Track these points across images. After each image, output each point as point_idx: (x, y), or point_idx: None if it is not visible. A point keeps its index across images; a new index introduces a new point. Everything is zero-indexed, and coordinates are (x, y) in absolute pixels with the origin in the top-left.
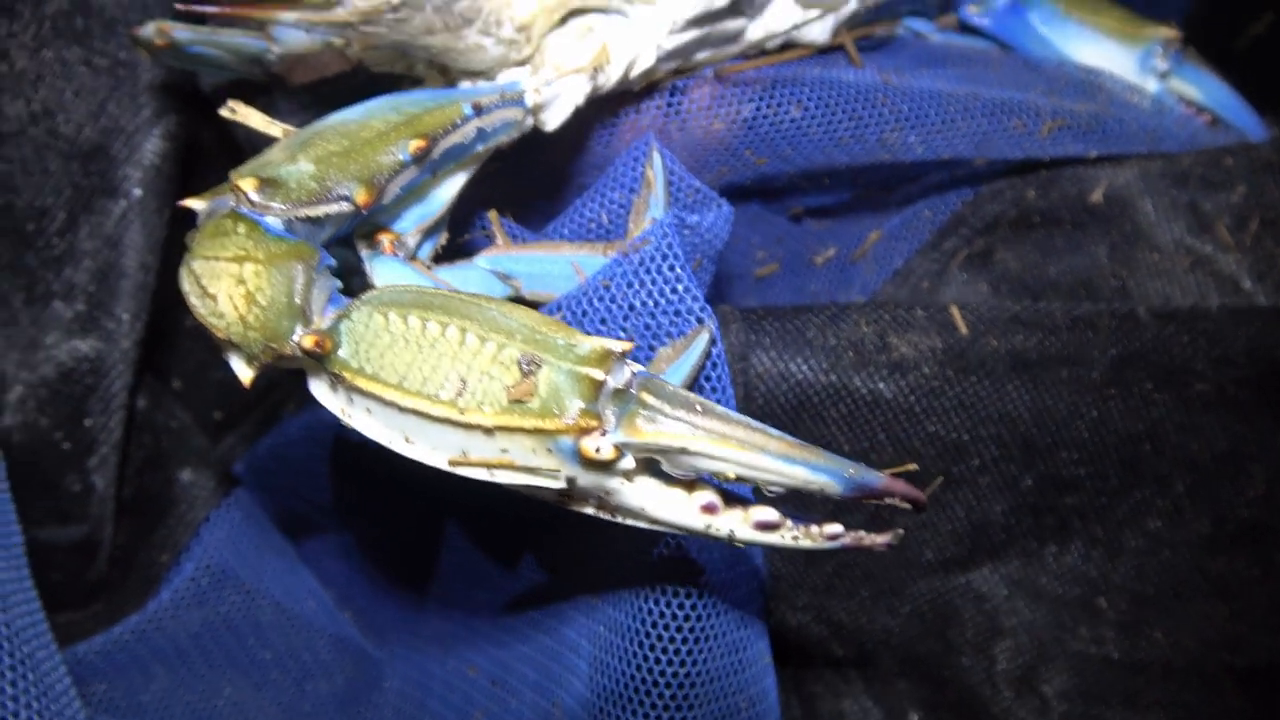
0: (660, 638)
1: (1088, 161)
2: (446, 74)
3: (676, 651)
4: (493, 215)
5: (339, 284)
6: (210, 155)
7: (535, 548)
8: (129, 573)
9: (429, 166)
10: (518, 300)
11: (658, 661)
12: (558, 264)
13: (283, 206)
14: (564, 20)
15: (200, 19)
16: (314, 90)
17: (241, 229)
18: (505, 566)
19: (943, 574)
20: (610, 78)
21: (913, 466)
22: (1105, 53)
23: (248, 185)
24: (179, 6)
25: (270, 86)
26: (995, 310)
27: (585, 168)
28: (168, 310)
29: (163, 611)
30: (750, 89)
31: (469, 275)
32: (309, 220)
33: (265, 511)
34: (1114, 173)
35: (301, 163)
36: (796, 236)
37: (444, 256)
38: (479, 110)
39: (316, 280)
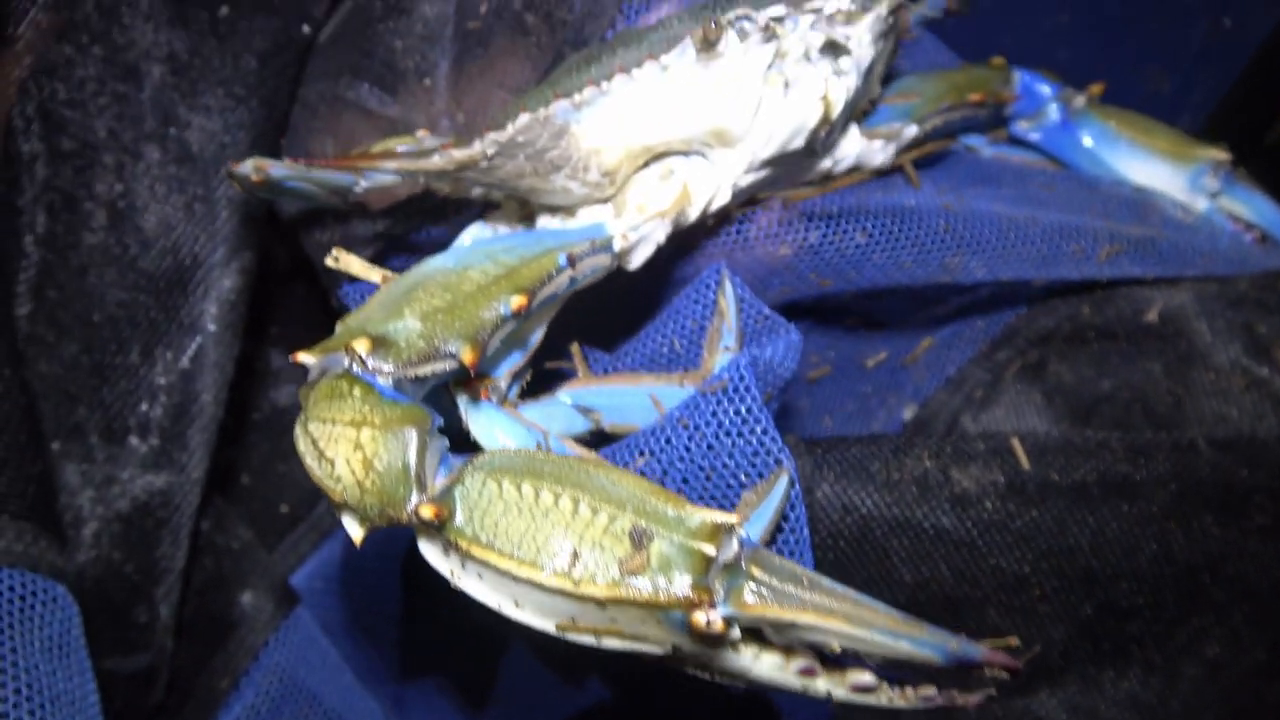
0: None
1: (1143, 282)
2: (525, 205)
3: None
4: (575, 349)
5: (447, 442)
6: (283, 278)
7: (600, 673)
8: (188, 699)
9: (529, 316)
10: (599, 433)
11: None
12: (636, 396)
13: (393, 366)
14: (647, 163)
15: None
16: (389, 212)
17: (357, 392)
18: (568, 690)
19: (1003, 699)
20: (689, 217)
21: (1014, 641)
22: (1156, 172)
23: (361, 346)
24: (289, 160)
25: (348, 212)
26: (1055, 442)
27: (657, 290)
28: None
29: None
30: (816, 217)
31: (554, 411)
32: (418, 378)
33: (323, 628)
34: (1169, 293)
35: (409, 319)
36: (848, 340)
37: (529, 388)
38: (572, 262)
39: (430, 444)
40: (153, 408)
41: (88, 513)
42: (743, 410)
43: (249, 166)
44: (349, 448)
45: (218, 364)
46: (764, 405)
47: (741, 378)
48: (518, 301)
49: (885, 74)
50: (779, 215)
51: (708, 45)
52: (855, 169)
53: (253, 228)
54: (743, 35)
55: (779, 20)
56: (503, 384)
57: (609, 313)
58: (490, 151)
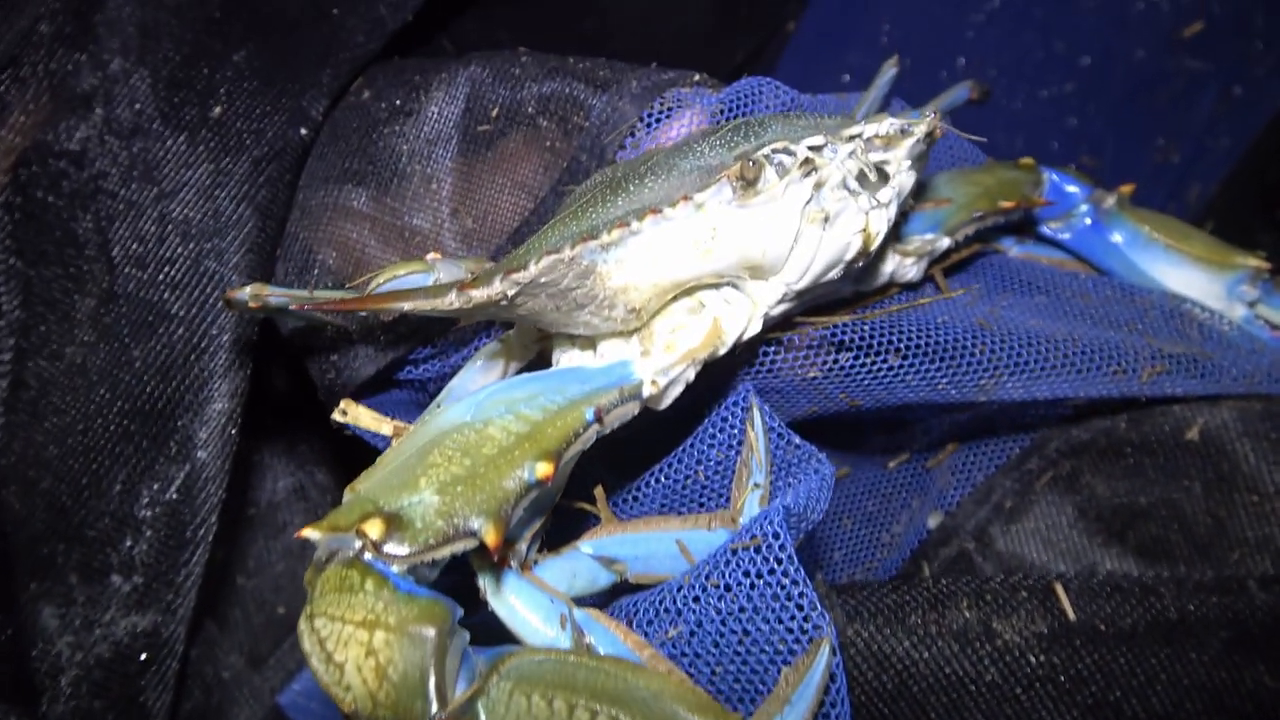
0: None
1: (1185, 399)
2: (543, 332)
3: None
4: (598, 493)
5: (468, 637)
6: (278, 396)
7: None
8: None
9: (555, 479)
10: (623, 584)
11: None
12: (663, 543)
13: (409, 551)
14: (676, 296)
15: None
16: (393, 328)
17: (369, 585)
18: None
19: None
20: (721, 353)
21: None
22: (1191, 278)
23: (374, 529)
24: (293, 308)
25: (351, 333)
26: (1101, 585)
27: (681, 414)
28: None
29: None
30: (847, 342)
31: (577, 567)
32: (433, 564)
33: None
34: (1210, 412)
35: (425, 492)
36: (869, 439)
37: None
38: (599, 416)
39: (450, 644)
40: (137, 544)
41: (66, 660)
42: (778, 571)
43: (246, 294)
44: (360, 652)
45: (208, 493)
46: (799, 564)
47: (776, 535)
48: (544, 470)
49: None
50: (808, 339)
51: (746, 184)
52: (888, 285)
53: (246, 346)
54: (782, 171)
55: (818, 149)
56: (523, 547)
57: (630, 437)
58: (511, 292)
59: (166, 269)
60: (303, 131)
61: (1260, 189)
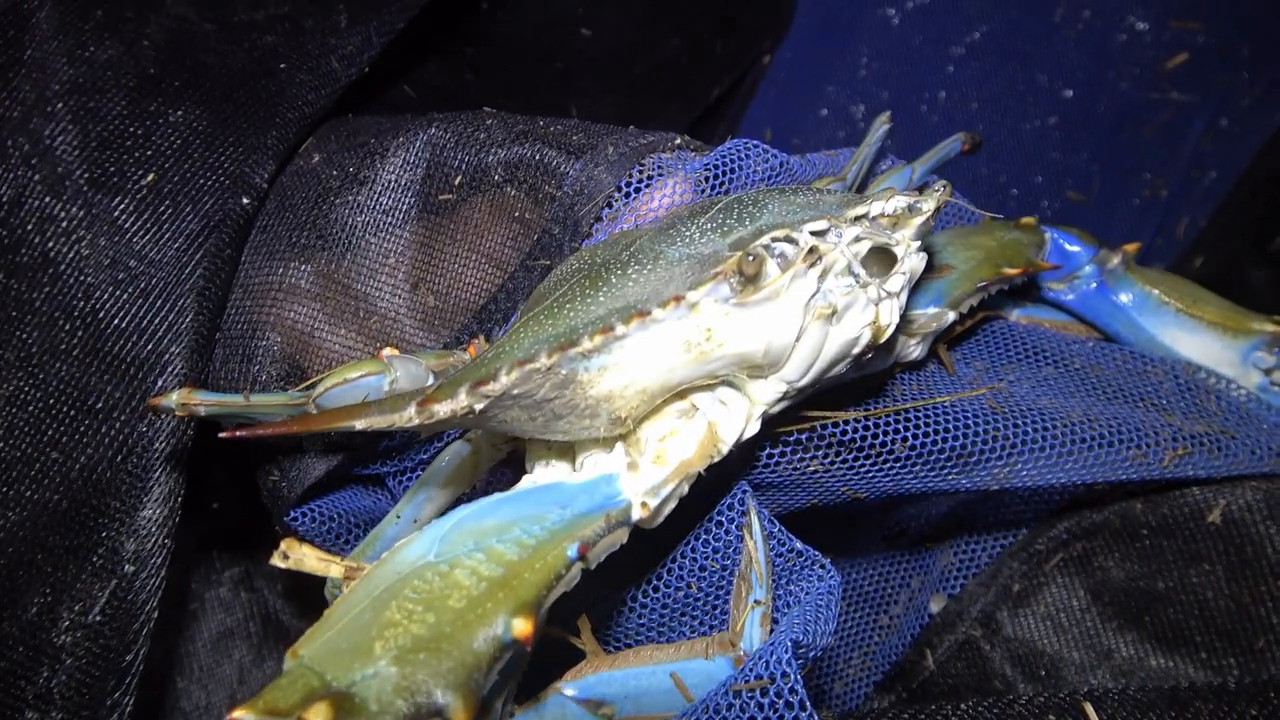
0: None
1: (1205, 481)
2: (517, 440)
3: None
4: (582, 624)
5: None
6: (217, 487)
7: None
8: None
9: (535, 635)
10: None
11: None
12: (656, 678)
13: None
14: (667, 400)
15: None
16: (347, 434)
17: None
18: None
19: None
20: (717, 459)
21: None
22: (1205, 345)
23: (319, 718)
24: (223, 435)
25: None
26: (1133, 701)
27: (673, 514)
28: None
29: None
30: (846, 432)
31: (558, 715)
32: None
33: None
34: (1233, 493)
35: (381, 663)
36: (865, 517)
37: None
38: (583, 552)
39: None
40: (55, 674)
41: None
42: (787, 717)
43: (173, 401)
44: None
45: (139, 613)
46: (811, 707)
47: (785, 675)
48: (521, 628)
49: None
50: (809, 436)
51: (746, 280)
52: (891, 366)
53: (182, 441)
54: (784, 264)
55: (822, 234)
56: (498, 705)
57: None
58: (480, 406)
59: (91, 358)
60: (245, 201)
61: (1249, 222)
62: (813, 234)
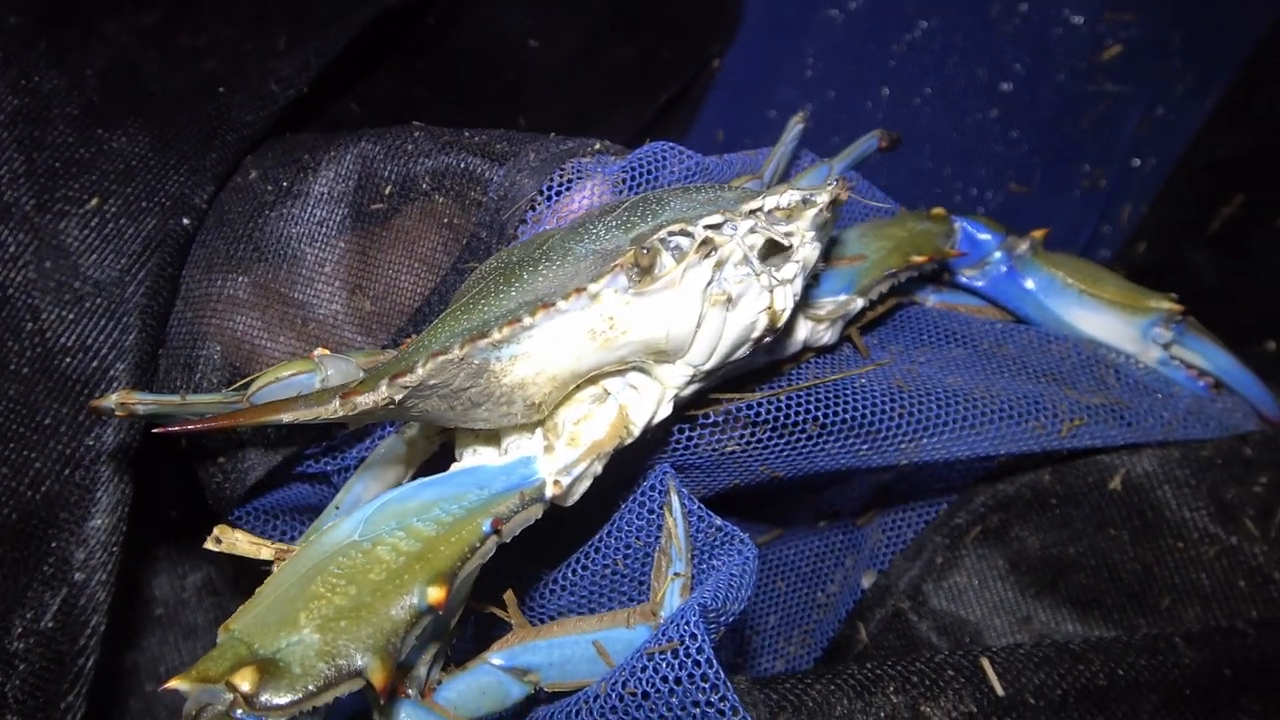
0: None
1: (1105, 450)
2: (443, 429)
3: None
4: (508, 598)
5: None
6: (166, 495)
7: None
8: None
9: (451, 604)
10: (538, 696)
11: None
12: (579, 646)
13: (288, 701)
14: (580, 386)
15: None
16: (282, 429)
17: None
18: None
19: None
20: (629, 439)
21: None
22: (1106, 322)
23: (245, 681)
24: (156, 431)
25: (238, 432)
26: (1028, 656)
27: (597, 495)
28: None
29: None
30: (764, 417)
31: (484, 682)
32: (313, 708)
33: None
34: (1132, 460)
35: (305, 630)
36: (795, 500)
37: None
38: (497, 527)
39: None
40: (9, 679)
41: None
42: (696, 675)
43: (112, 402)
44: None
45: (89, 619)
46: (718, 665)
47: (693, 636)
48: (435, 595)
49: (828, 238)
50: (724, 417)
51: (642, 271)
52: (803, 351)
53: (128, 452)
54: (679, 255)
55: (716, 228)
56: (423, 671)
57: (547, 521)
58: (399, 397)
59: (39, 376)
60: (185, 221)
61: (1188, 207)
62: (708, 227)
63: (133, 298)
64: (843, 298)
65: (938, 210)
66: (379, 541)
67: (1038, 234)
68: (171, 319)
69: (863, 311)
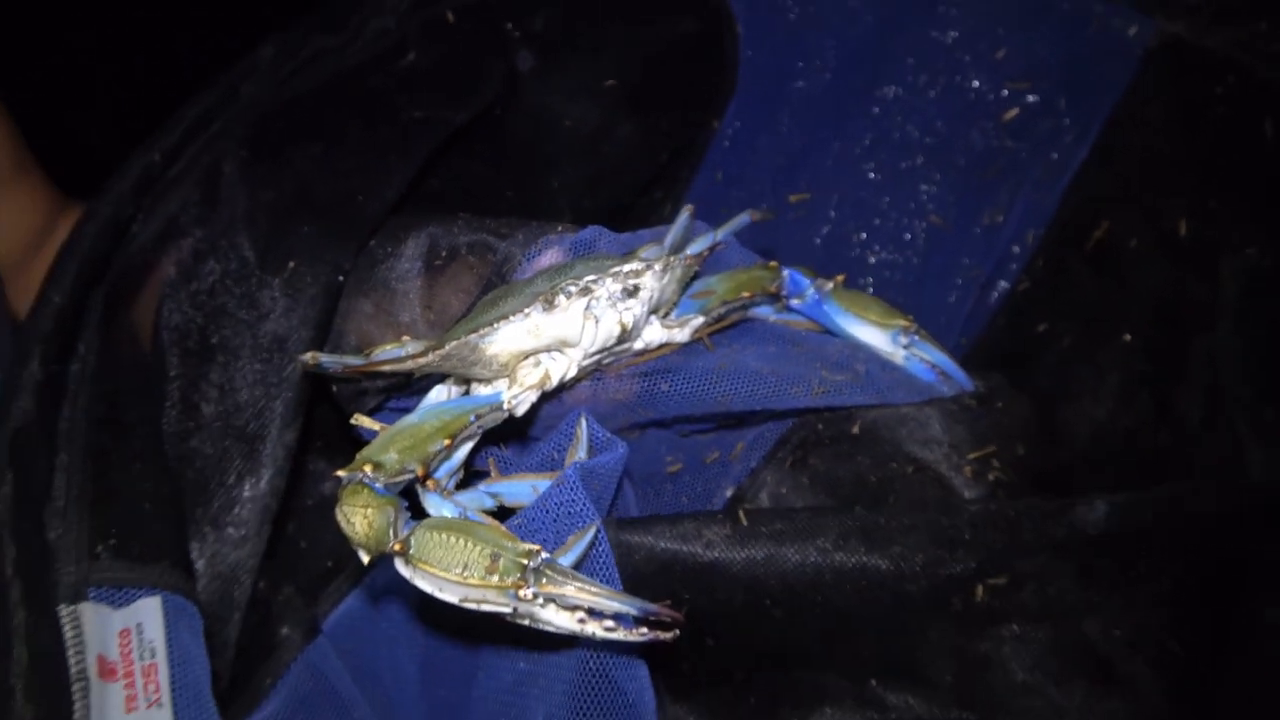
0: None
1: (856, 408)
2: (465, 379)
3: None
4: (491, 462)
5: (409, 514)
6: (327, 428)
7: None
8: (244, 689)
9: (454, 447)
10: (500, 509)
11: None
12: (525, 487)
13: (383, 479)
14: (527, 356)
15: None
16: (388, 380)
17: (364, 491)
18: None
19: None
20: (551, 386)
21: (671, 613)
22: (871, 333)
23: (367, 469)
24: (332, 355)
25: (364, 384)
26: (765, 511)
27: (543, 426)
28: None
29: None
30: (638, 376)
31: (475, 496)
32: (395, 483)
33: (336, 653)
34: (867, 414)
35: (391, 452)
36: (692, 446)
37: (463, 483)
38: (478, 418)
39: (399, 516)
40: (241, 511)
41: (200, 571)
42: (571, 495)
43: (307, 357)
44: (361, 519)
45: (279, 487)
46: (586, 495)
47: (570, 478)
48: (446, 442)
49: (687, 282)
50: (615, 377)
51: (548, 304)
52: (666, 344)
53: (305, 397)
54: (569, 295)
55: (594, 282)
56: (444, 480)
57: (515, 434)
58: (436, 359)
59: (260, 356)
60: (339, 278)
61: (1073, 233)
62: (587, 282)
63: (314, 317)
64: (689, 315)
65: (773, 263)
66: (425, 422)
67: (839, 278)
68: (333, 326)
69: (706, 323)
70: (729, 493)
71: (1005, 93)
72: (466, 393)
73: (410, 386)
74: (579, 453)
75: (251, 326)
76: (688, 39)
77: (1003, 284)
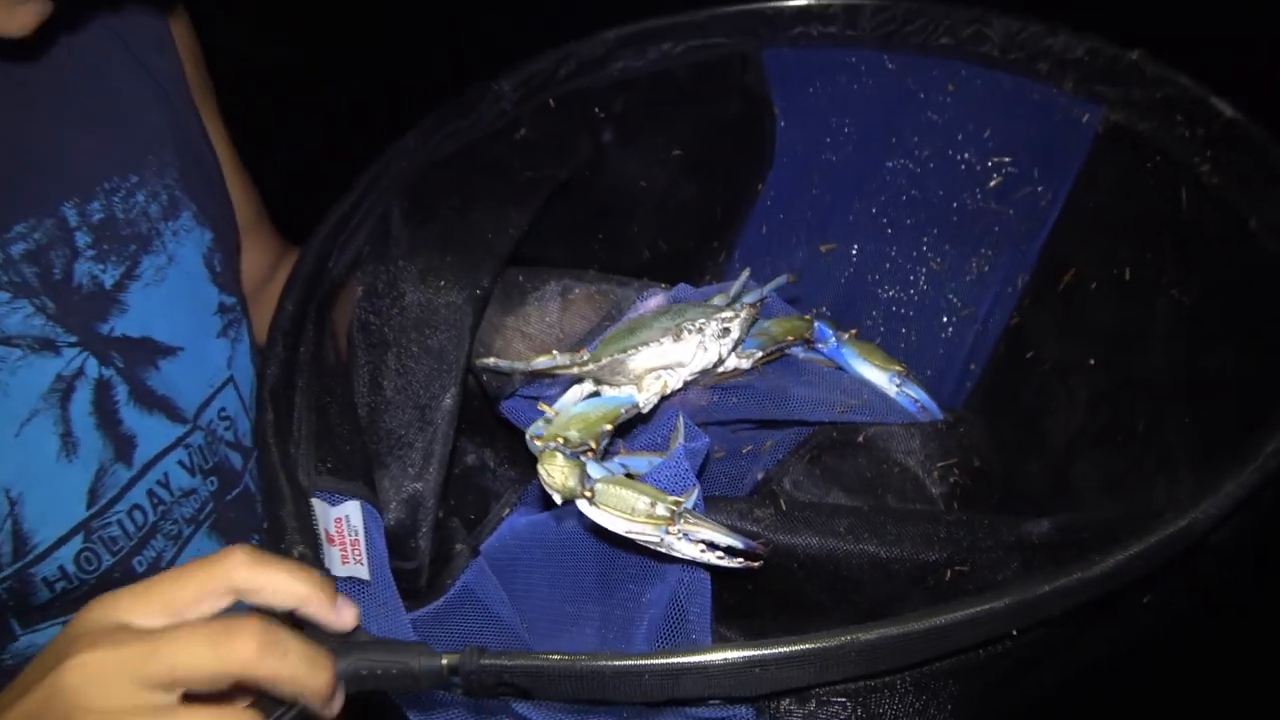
0: None
1: (862, 424)
2: (599, 383)
3: None
4: (621, 446)
5: (591, 471)
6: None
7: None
8: (431, 588)
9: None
10: (627, 475)
11: None
12: (642, 462)
13: (569, 448)
14: (652, 371)
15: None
16: (533, 378)
17: (559, 455)
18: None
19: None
20: (666, 393)
21: (762, 549)
22: (873, 374)
23: (557, 440)
24: (497, 360)
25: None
26: (797, 503)
27: (655, 420)
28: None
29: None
30: (714, 390)
31: (614, 465)
32: (576, 451)
33: (492, 568)
34: (868, 429)
35: (572, 430)
36: (734, 439)
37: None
38: (626, 412)
39: (586, 473)
40: (414, 455)
41: (388, 493)
42: (679, 468)
43: (490, 361)
44: (560, 473)
45: (446, 443)
46: (688, 465)
47: (678, 454)
48: (608, 427)
49: (750, 326)
50: (698, 390)
51: (676, 336)
52: (735, 369)
53: (462, 380)
54: (690, 331)
55: (704, 323)
56: (600, 451)
57: (628, 425)
58: (595, 369)
59: (424, 352)
60: (479, 293)
61: (1048, 276)
62: (702, 322)
63: (469, 325)
64: (751, 350)
65: (808, 316)
66: (591, 410)
67: (854, 331)
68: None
69: (761, 356)
70: (759, 477)
71: (990, 164)
72: (597, 394)
73: (540, 383)
74: (679, 439)
75: (417, 327)
76: (735, 118)
77: (999, 319)
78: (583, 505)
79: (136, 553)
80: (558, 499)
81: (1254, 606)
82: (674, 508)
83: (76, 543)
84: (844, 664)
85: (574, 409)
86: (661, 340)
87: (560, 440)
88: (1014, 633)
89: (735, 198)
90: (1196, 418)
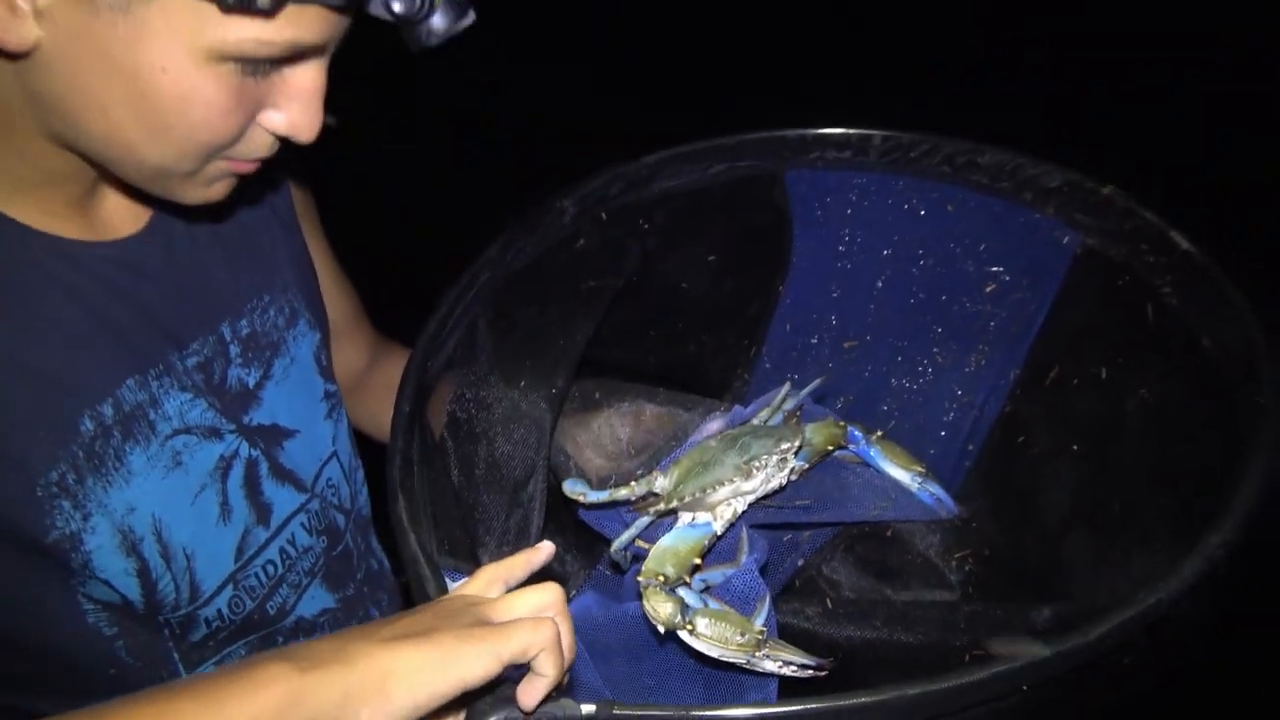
0: None
1: (887, 519)
2: (685, 510)
3: None
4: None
5: (689, 603)
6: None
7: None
8: None
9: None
10: (707, 587)
11: None
12: (718, 575)
13: (668, 584)
14: (724, 499)
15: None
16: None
17: (660, 592)
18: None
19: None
20: (736, 518)
21: (828, 664)
22: (898, 472)
23: (657, 578)
24: (577, 502)
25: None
26: (841, 600)
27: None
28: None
29: None
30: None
31: (697, 582)
32: (672, 584)
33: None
34: (896, 524)
35: (667, 566)
36: (774, 534)
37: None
38: (710, 541)
39: (685, 605)
40: (508, 534)
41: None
42: (751, 579)
43: (578, 496)
44: (663, 609)
45: (535, 521)
46: (758, 576)
47: (749, 566)
48: (697, 561)
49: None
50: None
51: (746, 475)
52: (788, 484)
53: (544, 466)
54: (757, 469)
55: (768, 458)
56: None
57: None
58: (678, 505)
59: (509, 443)
60: (554, 392)
61: (1037, 371)
62: (765, 458)
63: (547, 423)
64: (801, 464)
65: (842, 422)
66: (679, 544)
67: (880, 433)
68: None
69: (808, 467)
70: (799, 563)
71: (986, 271)
72: (673, 512)
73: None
74: (744, 551)
75: (502, 422)
76: (760, 228)
77: (995, 407)
78: (684, 635)
79: (268, 599)
80: (661, 630)
81: (1223, 661)
82: (759, 637)
83: (229, 591)
84: (902, 713)
85: (664, 543)
86: (734, 479)
87: (660, 578)
88: (1024, 688)
89: (763, 298)
90: (1167, 501)
